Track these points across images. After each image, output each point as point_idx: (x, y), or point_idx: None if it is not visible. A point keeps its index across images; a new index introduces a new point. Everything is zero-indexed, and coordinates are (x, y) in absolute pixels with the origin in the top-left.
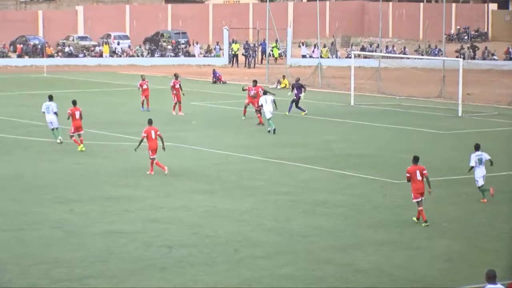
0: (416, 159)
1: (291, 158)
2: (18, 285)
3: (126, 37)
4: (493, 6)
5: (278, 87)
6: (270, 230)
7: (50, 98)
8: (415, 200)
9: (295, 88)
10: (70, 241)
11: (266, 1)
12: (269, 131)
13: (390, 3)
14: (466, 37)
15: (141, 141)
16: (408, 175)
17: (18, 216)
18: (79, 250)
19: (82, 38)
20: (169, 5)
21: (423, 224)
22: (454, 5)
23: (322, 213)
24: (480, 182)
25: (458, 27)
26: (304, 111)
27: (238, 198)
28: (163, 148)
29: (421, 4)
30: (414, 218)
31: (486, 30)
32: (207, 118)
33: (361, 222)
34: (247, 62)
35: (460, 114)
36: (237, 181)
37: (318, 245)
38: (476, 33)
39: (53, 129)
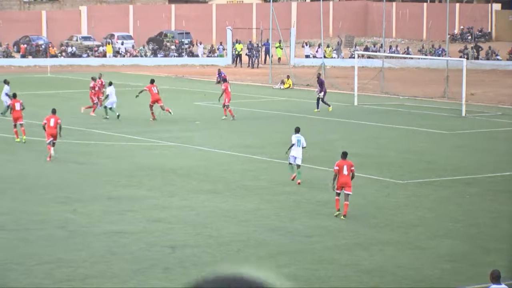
0: (344, 154)
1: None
2: (21, 285)
3: (130, 37)
4: (497, 6)
5: (282, 87)
6: (273, 230)
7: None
8: (336, 191)
9: (319, 85)
10: (73, 241)
11: (269, 1)
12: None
13: (394, 3)
14: (469, 37)
15: (43, 127)
16: (336, 168)
17: (22, 215)
18: (82, 250)
19: (85, 38)
20: (173, 5)
21: (335, 214)
22: (457, 5)
23: (325, 213)
24: (297, 161)
25: (462, 27)
26: (318, 108)
27: (241, 198)
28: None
29: (425, 4)
30: (336, 213)
31: (489, 30)
32: (210, 118)
33: (365, 222)
34: (250, 62)
35: (463, 114)
36: (240, 181)
37: (321, 245)
38: (480, 33)
39: None
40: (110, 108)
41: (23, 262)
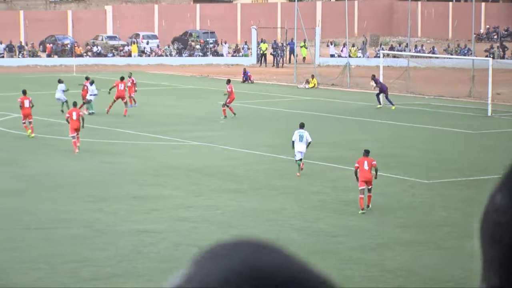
0: (367, 152)
1: (320, 157)
2: (47, 284)
3: (155, 37)
4: None
5: (307, 86)
6: (298, 230)
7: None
8: (359, 188)
9: (378, 83)
10: (98, 240)
11: (294, 1)
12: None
13: (419, 2)
14: (495, 37)
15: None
16: (357, 165)
17: (47, 215)
18: (108, 249)
19: (111, 38)
20: (198, 5)
21: (359, 212)
22: (483, 4)
23: (351, 213)
24: (298, 156)
25: (488, 26)
26: (380, 105)
27: (266, 198)
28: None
29: (450, 3)
30: (360, 211)
31: None
32: (235, 117)
33: (390, 222)
34: (275, 61)
35: (489, 114)
36: (265, 180)
37: (347, 245)
38: (506, 33)
39: None
40: (89, 102)
41: (48, 261)
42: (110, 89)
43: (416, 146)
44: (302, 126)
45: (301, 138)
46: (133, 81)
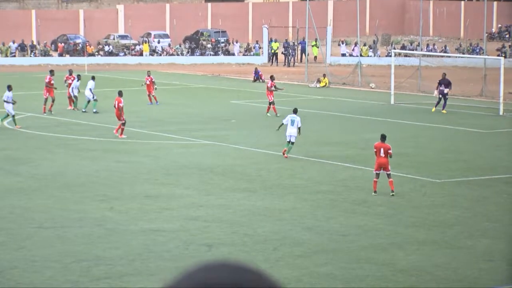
0: (383, 137)
1: (331, 156)
2: (59, 282)
3: (166, 36)
4: None
5: (318, 85)
6: (309, 229)
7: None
8: (374, 171)
9: (442, 85)
10: (110, 239)
11: (306, 0)
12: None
13: (431, 1)
14: (507, 36)
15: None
16: (375, 150)
17: (59, 213)
18: (120, 247)
19: (122, 37)
20: (209, 4)
21: (373, 193)
22: (495, 3)
23: (362, 212)
24: (292, 139)
25: (500, 25)
26: (435, 105)
27: (278, 197)
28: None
29: (462, 2)
30: (373, 193)
31: None
32: (247, 116)
33: (401, 221)
34: (286, 60)
35: (501, 113)
36: (277, 179)
37: (358, 244)
38: None
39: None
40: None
41: (61, 259)
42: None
43: (428, 145)
44: (295, 111)
45: (292, 122)
46: (151, 79)
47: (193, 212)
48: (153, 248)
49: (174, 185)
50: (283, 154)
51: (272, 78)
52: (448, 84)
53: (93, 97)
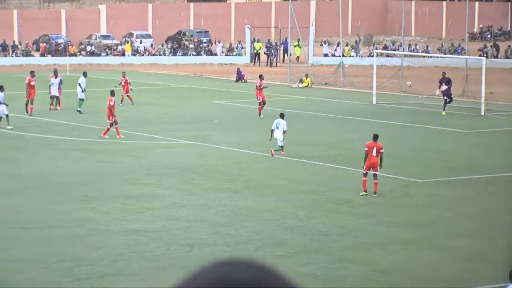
0: (375, 137)
1: (314, 156)
2: (40, 283)
3: (149, 36)
4: None
5: (300, 86)
6: (292, 229)
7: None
8: (363, 171)
9: (443, 84)
10: (92, 239)
11: (288, 0)
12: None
13: (413, 2)
14: (489, 36)
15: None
16: (366, 149)
17: (41, 213)
18: (101, 248)
19: (104, 37)
20: (192, 4)
21: (361, 193)
22: (477, 3)
23: (344, 212)
24: (279, 143)
25: (481, 25)
26: (443, 109)
27: (260, 197)
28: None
29: (444, 2)
30: (361, 193)
31: (509, 28)
32: (229, 116)
33: (384, 221)
34: (269, 61)
35: (483, 113)
36: (259, 179)
37: (340, 244)
38: (499, 32)
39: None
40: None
41: (42, 260)
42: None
43: (410, 145)
44: (281, 116)
45: (277, 126)
46: (126, 80)
47: (174, 212)
48: (135, 248)
49: (155, 185)
50: (282, 153)
51: (261, 77)
52: (448, 82)
53: (81, 96)
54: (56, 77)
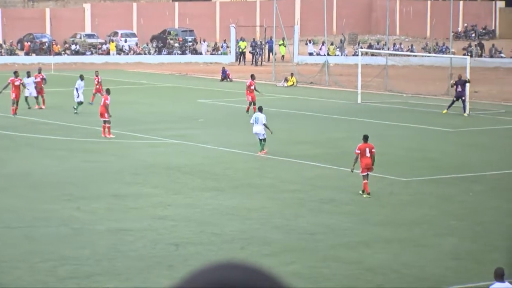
0: (366, 138)
1: (299, 155)
2: (26, 283)
3: (133, 35)
4: (501, 4)
5: (285, 85)
6: (277, 227)
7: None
8: (362, 174)
9: (458, 86)
10: (77, 239)
11: None
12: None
13: (398, 1)
14: (473, 35)
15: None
16: (358, 151)
17: (26, 213)
18: (87, 247)
19: (89, 36)
20: (176, 3)
21: (364, 196)
22: (461, 2)
23: (329, 211)
24: (260, 136)
25: (466, 24)
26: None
27: (245, 196)
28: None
29: (429, 1)
30: (360, 192)
31: (493, 27)
32: (214, 115)
33: (369, 220)
34: (254, 60)
35: (467, 112)
36: (244, 179)
37: (325, 243)
38: (484, 31)
39: None
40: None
41: (27, 259)
42: (4, 88)
43: (394, 144)
44: (260, 109)
45: (256, 120)
46: (98, 79)
47: (160, 212)
48: (120, 247)
49: (141, 184)
50: (262, 152)
51: (252, 77)
52: (464, 84)
53: (77, 97)
54: (29, 77)
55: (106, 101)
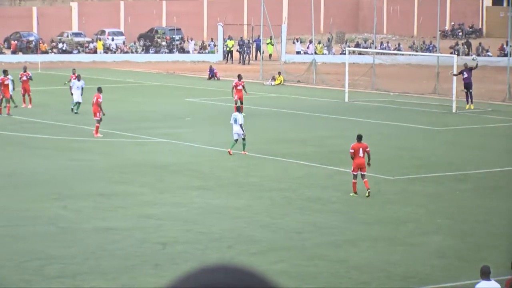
0: (359, 137)
1: (286, 154)
2: (12, 282)
3: (121, 34)
4: (488, 3)
5: (273, 83)
6: (264, 226)
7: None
8: (352, 173)
9: (464, 73)
10: (64, 238)
11: None
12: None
13: None
14: (460, 34)
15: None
16: (352, 151)
17: (12, 212)
18: (73, 246)
19: (76, 35)
20: (164, 1)
21: (351, 194)
22: (448, 1)
23: (316, 210)
24: (235, 136)
25: (453, 23)
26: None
27: (232, 195)
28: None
29: (416, 0)
30: (352, 194)
31: (480, 26)
32: (202, 114)
33: (355, 218)
34: (241, 58)
35: (454, 110)
36: (231, 177)
37: (312, 241)
38: (471, 30)
39: None
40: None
41: (14, 258)
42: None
43: (381, 142)
44: (237, 109)
45: (235, 120)
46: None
47: (147, 210)
48: (107, 246)
49: (128, 183)
50: (229, 152)
51: (239, 77)
52: (470, 71)
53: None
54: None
55: (99, 99)
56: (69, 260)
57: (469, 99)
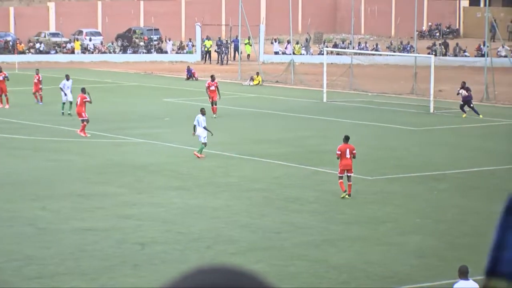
0: (346, 138)
1: (265, 154)
2: None
3: (98, 34)
4: (465, 3)
5: (251, 84)
6: (243, 226)
7: None
8: (338, 174)
9: (462, 91)
10: (42, 238)
11: None
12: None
13: (362, 0)
14: (437, 34)
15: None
16: (339, 152)
17: None
18: (51, 247)
19: (53, 35)
20: (141, 2)
21: (342, 195)
22: (426, 1)
23: (295, 210)
24: (203, 139)
25: (430, 23)
26: (464, 113)
27: (211, 195)
28: None
29: (393, 0)
30: (347, 196)
31: (457, 26)
32: (180, 114)
33: (334, 218)
34: (219, 58)
35: (431, 110)
36: (210, 177)
37: (291, 241)
38: (448, 30)
39: None
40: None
41: None
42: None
43: (360, 143)
44: (201, 111)
45: (198, 123)
46: (39, 78)
47: (126, 211)
48: (85, 247)
49: (106, 183)
50: (200, 155)
51: (212, 78)
52: (468, 90)
53: (64, 97)
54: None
55: (84, 100)
56: (48, 260)
57: (474, 111)
